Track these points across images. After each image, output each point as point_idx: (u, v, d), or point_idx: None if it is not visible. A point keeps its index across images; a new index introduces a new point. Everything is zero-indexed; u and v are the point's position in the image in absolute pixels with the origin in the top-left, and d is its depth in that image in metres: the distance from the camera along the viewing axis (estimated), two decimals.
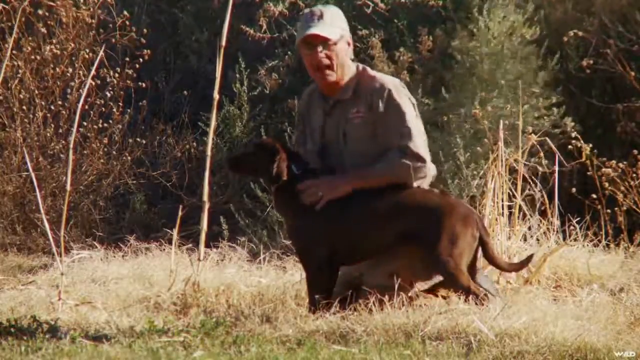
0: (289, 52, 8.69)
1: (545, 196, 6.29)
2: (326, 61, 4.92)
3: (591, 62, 7.96)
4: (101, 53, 6.04)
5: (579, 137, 6.86)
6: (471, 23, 7.84)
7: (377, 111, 4.89)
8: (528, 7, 7.91)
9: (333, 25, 4.93)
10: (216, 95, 5.43)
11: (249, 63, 8.55)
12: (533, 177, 6.35)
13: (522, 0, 7.96)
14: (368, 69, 5.03)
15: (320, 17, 4.92)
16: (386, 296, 4.70)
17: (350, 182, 4.85)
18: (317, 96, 5.08)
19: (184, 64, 9.46)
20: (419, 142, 4.88)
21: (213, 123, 5.50)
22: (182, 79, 9.38)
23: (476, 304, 4.65)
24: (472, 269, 4.80)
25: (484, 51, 7.75)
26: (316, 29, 4.90)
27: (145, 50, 8.35)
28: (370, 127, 4.91)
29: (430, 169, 4.97)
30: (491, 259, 4.83)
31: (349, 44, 4.99)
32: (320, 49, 4.91)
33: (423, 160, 4.86)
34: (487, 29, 7.74)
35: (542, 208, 6.28)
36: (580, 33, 7.94)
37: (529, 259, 4.95)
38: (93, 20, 8.42)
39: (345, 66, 4.96)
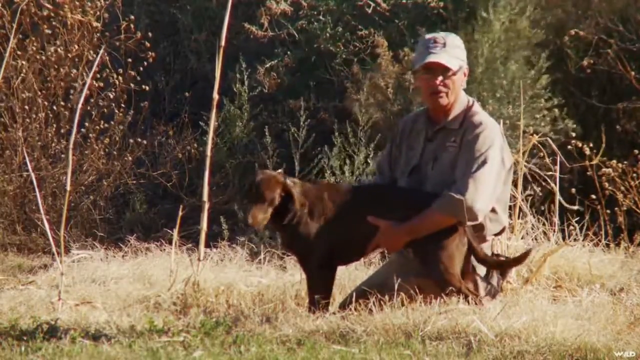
0: (289, 52, 8.69)
1: (552, 195, 6.31)
2: (442, 88, 4.94)
3: (591, 61, 7.96)
4: (100, 54, 6.04)
5: (580, 138, 6.88)
6: (476, 23, 7.84)
7: (464, 142, 4.89)
8: (535, 12, 7.91)
9: (454, 55, 4.94)
10: (216, 96, 5.43)
11: (249, 63, 8.55)
12: (533, 178, 6.36)
13: (527, 2, 7.97)
14: (475, 105, 5.03)
15: (443, 45, 4.93)
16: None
17: (408, 232, 4.81)
18: (423, 120, 5.08)
19: (184, 64, 9.46)
20: (479, 197, 4.77)
21: (213, 123, 5.50)
22: (181, 79, 9.39)
23: (468, 303, 4.66)
24: (465, 272, 4.82)
25: (485, 52, 7.75)
26: (439, 57, 4.91)
27: (150, 53, 8.36)
28: (456, 158, 4.93)
29: (500, 221, 4.99)
30: (482, 262, 4.85)
31: (465, 75, 5.01)
32: (440, 77, 4.93)
33: (473, 218, 4.79)
34: (491, 30, 7.73)
35: (543, 208, 6.29)
36: (581, 32, 7.95)
37: (526, 254, 4.95)
38: (98, 24, 8.43)
39: (458, 95, 4.98)
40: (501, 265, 4.97)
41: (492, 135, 4.89)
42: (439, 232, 4.76)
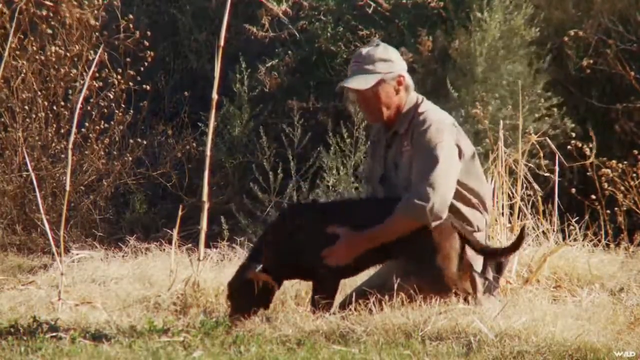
0: (290, 52, 8.69)
1: (539, 199, 6.31)
2: (364, 106, 4.96)
3: (591, 62, 7.97)
4: (99, 53, 6.05)
5: (580, 138, 6.88)
6: (470, 24, 7.85)
7: (413, 144, 4.86)
8: (528, 9, 7.91)
9: (372, 71, 4.88)
10: (215, 95, 5.43)
11: (249, 62, 8.56)
12: (533, 177, 6.37)
13: (522, 1, 7.97)
14: (424, 103, 4.97)
15: (361, 63, 4.89)
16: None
17: (370, 240, 4.80)
18: (382, 128, 5.07)
19: (183, 64, 9.46)
20: (438, 198, 4.73)
21: (212, 123, 5.50)
22: (181, 79, 9.39)
23: (468, 303, 4.66)
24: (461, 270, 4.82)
25: (484, 52, 7.75)
26: (350, 81, 4.90)
27: (149, 52, 8.37)
28: (412, 160, 4.90)
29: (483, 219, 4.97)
30: (481, 252, 4.82)
31: (399, 83, 4.91)
32: (360, 97, 4.94)
33: (438, 219, 4.74)
34: (487, 30, 7.74)
35: (542, 208, 6.30)
36: (580, 33, 7.96)
37: (522, 233, 4.86)
38: (97, 23, 8.43)
39: (396, 102, 4.93)
40: (501, 253, 4.94)
41: (438, 131, 4.84)
42: (431, 236, 4.73)
